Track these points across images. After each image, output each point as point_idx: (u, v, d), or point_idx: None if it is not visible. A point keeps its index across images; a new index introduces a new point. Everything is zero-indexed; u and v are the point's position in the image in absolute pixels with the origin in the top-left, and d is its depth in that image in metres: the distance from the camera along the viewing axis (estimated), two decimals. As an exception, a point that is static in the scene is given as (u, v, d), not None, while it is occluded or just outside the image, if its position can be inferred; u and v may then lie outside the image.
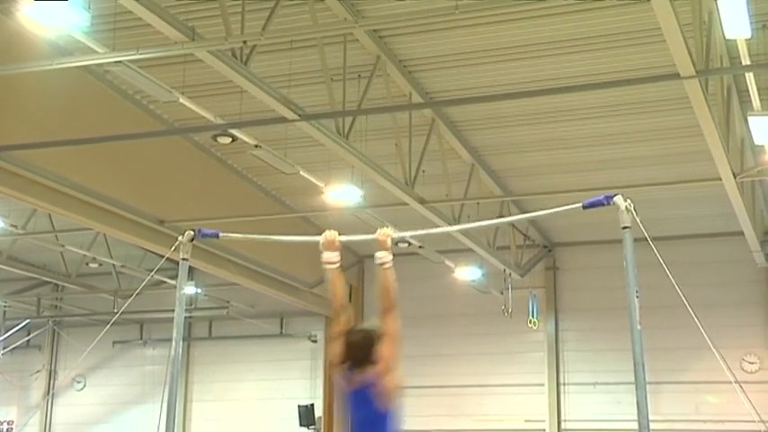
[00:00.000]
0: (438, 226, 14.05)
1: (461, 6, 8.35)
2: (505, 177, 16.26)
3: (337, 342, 5.23)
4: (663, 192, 15.75)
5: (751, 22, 8.78)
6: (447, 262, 18.05)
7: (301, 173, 13.26)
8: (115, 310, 19.24)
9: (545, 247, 20.13)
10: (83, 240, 18.04)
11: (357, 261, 21.38)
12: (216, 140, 13.28)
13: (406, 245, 17.38)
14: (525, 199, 16.80)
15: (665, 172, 15.08)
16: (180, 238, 5.67)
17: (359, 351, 5.09)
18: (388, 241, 5.28)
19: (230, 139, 12.80)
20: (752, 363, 18.36)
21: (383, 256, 5.29)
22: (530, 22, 10.84)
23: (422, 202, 14.10)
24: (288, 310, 21.44)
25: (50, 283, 22.14)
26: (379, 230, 5.36)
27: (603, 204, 4.85)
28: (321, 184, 13.73)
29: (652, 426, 4.53)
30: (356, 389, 5.07)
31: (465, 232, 15.76)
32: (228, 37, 9.10)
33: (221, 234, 5.90)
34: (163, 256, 6.34)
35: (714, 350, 5.49)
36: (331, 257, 5.46)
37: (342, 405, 5.19)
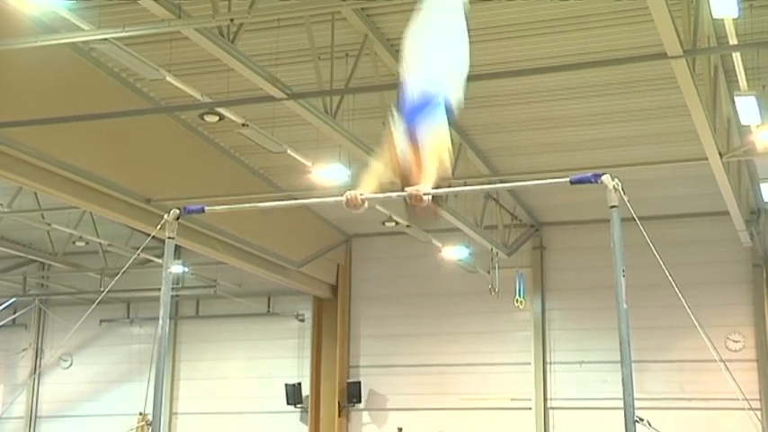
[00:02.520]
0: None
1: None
2: (493, 157, 16.26)
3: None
4: (650, 171, 15.79)
5: (738, 2, 8.79)
6: (434, 241, 18.08)
7: (289, 152, 13.23)
8: (102, 289, 19.22)
9: (532, 226, 20.18)
10: (69, 219, 17.98)
11: (345, 240, 21.39)
12: (203, 119, 13.23)
13: (394, 224, 17.41)
14: (512, 178, 16.81)
15: (653, 151, 15.12)
16: (166, 216, 5.65)
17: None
18: (423, 197, 5.16)
19: (217, 118, 12.76)
20: (736, 341, 18.50)
21: (423, 204, 5.15)
22: (518, 2, 10.81)
23: (409, 181, 14.07)
24: (275, 289, 21.45)
25: (36, 261, 22.08)
26: (407, 189, 5.23)
27: (591, 182, 4.85)
28: (308, 164, 13.71)
29: (637, 404, 4.55)
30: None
31: (452, 212, 15.76)
32: (215, 15, 9.05)
33: (207, 208, 5.86)
34: (149, 235, 6.32)
35: (699, 329, 5.52)
36: (359, 212, 5.44)
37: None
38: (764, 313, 18.47)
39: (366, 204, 5.31)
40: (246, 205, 6.11)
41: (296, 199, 17.70)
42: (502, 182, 17.00)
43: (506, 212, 18.98)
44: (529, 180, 14.15)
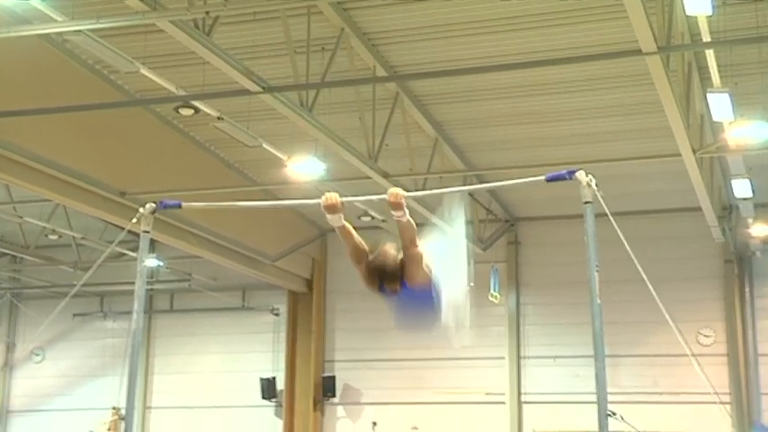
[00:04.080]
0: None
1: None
2: (469, 152, 16.29)
3: (367, 279, 5.56)
4: (623, 167, 15.89)
5: (712, 0, 8.86)
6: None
7: (264, 146, 13.20)
8: (75, 283, 19.05)
9: (507, 221, 20.25)
10: (42, 212, 17.85)
11: (320, 235, 21.37)
12: (178, 112, 13.17)
13: (370, 218, 17.41)
14: (488, 173, 16.86)
15: (627, 147, 15.21)
16: (141, 209, 5.63)
17: (387, 278, 5.43)
18: (402, 201, 5.27)
19: (192, 111, 12.71)
20: (707, 336, 18.66)
21: (399, 215, 5.27)
22: (494, -3, 10.84)
23: (385, 176, 14.10)
24: (250, 284, 21.40)
25: (8, 254, 21.88)
26: (390, 190, 5.34)
27: (566, 179, 4.89)
28: (284, 158, 13.68)
29: (610, 398, 4.59)
30: (398, 293, 5.45)
31: (427, 206, 15.77)
32: (191, 7, 9.00)
33: (184, 204, 5.85)
34: (124, 228, 6.29)
35: (671, 324, 5.58)
36: (334, 219, 5.43)
37: (392, 305, 5.63)
38: (735, 308, 18.65)
39: (343, 209, 5.35)
40: (224, 204, 6.10)
41: (271, 192, 17.73)
42: (478, 177, 17.06)
43: (482, 207, 19.03)
44: (505, 175, 14.23)
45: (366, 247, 5.47)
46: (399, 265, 5.38)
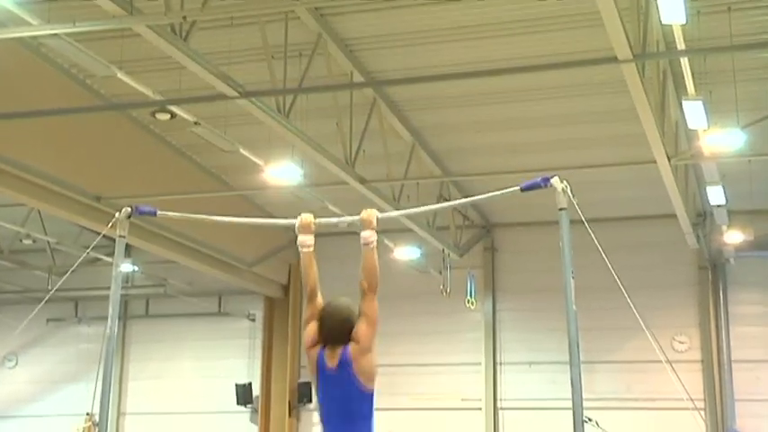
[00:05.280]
0: (378, 206, 14.05)
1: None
2: (445, 158, 16.33)
3: (311, 324, 5.18)
4: (599, 174, 15.97)
5: (686, 9, 8.94)
6: (386, 241, 18.10)
7: (241, 151, 13.17)
8: (49, 288, 18.93)
9: (483, 227, 20.31)
10: (16, 216, 17.67)
11: (296, 240, 21.31)
12: (154, 117, 13.11)
13: (346, 224, 17.40)
14: (465, 179, 16.91)
15: (602, 154, 15.30)
16: (117, 214, 5.60)
17: (336, 328, 5.09)
18: (374, 221, 5.26)
19: (169, 116, 12.65)
20: (682, 342, 18.79)
21: (369, 236, 5.25)
22: (472, 4, 10.89)
23: (362, 181, 14.11)
24: (226, 289, 21.32)
25: (-18, 259, 21.67)
26: (364, 210, 5.33)
27: (541, 186, 4.91)
28: (261, 163, 13.65)
29: (585, 404, 4.62)
30: (334, 368, 5.01)
31: (406, 215, 15.79)
32: (168, 12, 8.98)
33: (159, 212, 5.82)
34: (99, 233, 6.26)
35: (646, 330, 5.61)
36: (306, 240, 5.39)
37: (318, 385, 5.12)
38: (710, 315, 18.79)
39: (314, 231, 5.34)
40: (201, 216, 6.01)
41: (248, 198, 17.69)
42: (454, 183, 17.11)
43: (458, 213, 19.07)
44: (481, 181, 14.26)
45: (319, 293, 5.36)
46: (352, 320, 5.17)
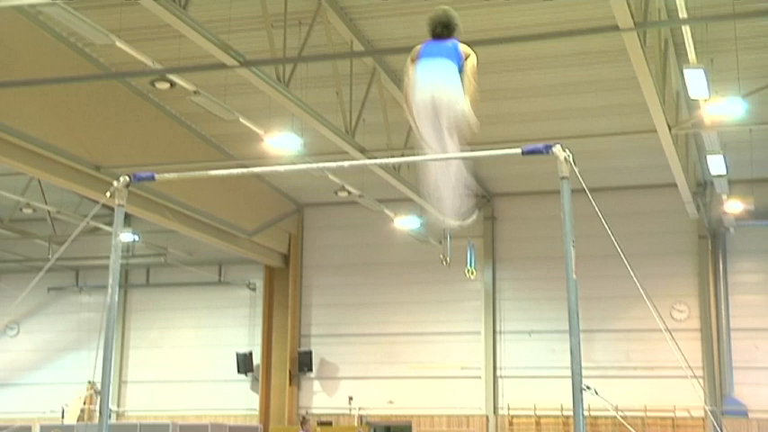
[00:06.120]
0: (377, 175, 14.02)
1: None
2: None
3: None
4: (600, 143, 15.94)
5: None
6: (386, 211, 18.10)
7: (241, 120, 13.13)
8: (50, 257, 18.97)
9: (483, 197, 20.30)
10: (16, 185, 17.68)
11: (297, 209, 21.34)
12: (154, 86, 13.05)
13: (347, 194, 17.39)
14: (465, 148, 16.83)
15: (603, 123, 15.26)
16: (115, 183, 5.59)
17: (442, 22, 5.68)
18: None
19: (168, 85, 12.59)
20: (681, 311, 18.85)
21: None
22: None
23: (362, 150, 14.07)
24: (226, 258, 21.36)
25: (-18, 228, 21.69)
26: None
27: (543, 152, 4.88)
28: (261, 132, 13.61)
29: (585, 372, 4.62)
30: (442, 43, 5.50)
31: (404, 182, 15.78)
32: (167, -21, 8.91)
33: (157, 176, 5.80)
34: (98, 202, 6.24)
35: (646, 299, 5.61)
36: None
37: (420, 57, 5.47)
38: (709, 284, 18.84)
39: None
40: (197, 173, 5.99)
41: (248, 167, 17.63)
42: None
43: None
44: (481, 150, 14.14)
45: None
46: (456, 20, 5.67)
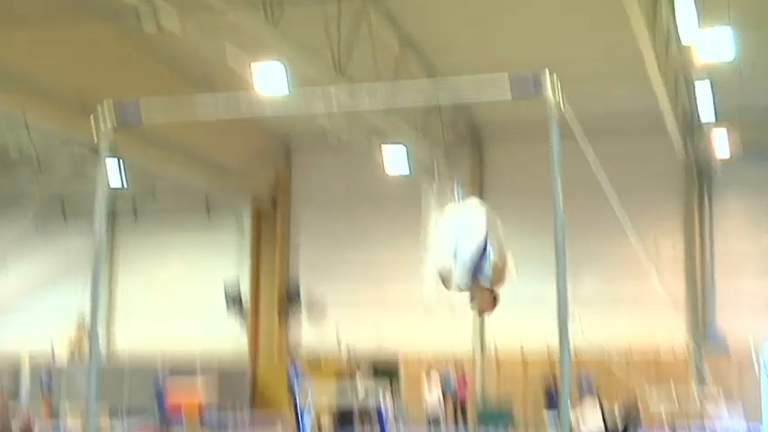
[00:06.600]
0: (365, 113, 13.94)
1: None
2: (435, 65, 16.12)
3: None
4: (588, 83, 15.80)
5: None
6: (376, 154, 18.08)
7: (229, 59, 13.01)
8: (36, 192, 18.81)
9: (473, 138, 20.30)
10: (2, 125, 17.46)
11: (285, 149, 21.29)
12: (142, 26, 12.83)
13: (336, 140, 17.32)
14: (454, 79, 16.69)
15: (593, 61, 15.17)
16: (102, 126, 5.53)
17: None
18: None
19: (156, 27, 12.41)
20: (666, 247, 18.99)
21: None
22: None
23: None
24: (214, 189, 21.30)
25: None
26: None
27: (532, 90, 4.75)
28: (249, 71, 13.49)
29: (570, 308, 4.65)
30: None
31: (395, 125, 15.70)
32: None
33: (141, 104, 5.70)
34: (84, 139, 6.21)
35: (629, 235, 5.65)
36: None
37: None
38: (695, 221, 19.04)
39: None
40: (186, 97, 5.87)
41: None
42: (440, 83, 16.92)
43: (448, 127, 19.03)
44: (470, 80, 14.08)
45: None
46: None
